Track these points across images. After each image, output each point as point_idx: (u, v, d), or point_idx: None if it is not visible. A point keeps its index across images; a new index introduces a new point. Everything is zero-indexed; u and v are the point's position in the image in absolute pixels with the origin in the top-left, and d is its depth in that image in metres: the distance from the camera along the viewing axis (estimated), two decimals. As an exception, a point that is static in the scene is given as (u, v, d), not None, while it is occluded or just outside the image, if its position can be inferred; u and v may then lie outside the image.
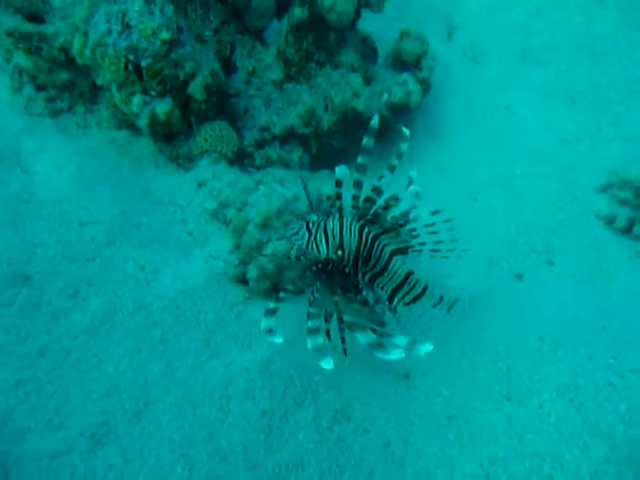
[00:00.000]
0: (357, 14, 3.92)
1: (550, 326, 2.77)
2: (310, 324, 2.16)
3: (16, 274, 2.57)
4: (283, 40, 3.85)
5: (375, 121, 2.36)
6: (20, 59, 3.37)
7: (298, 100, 3.92)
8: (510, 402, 2.49)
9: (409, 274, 2.48)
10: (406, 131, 2.54)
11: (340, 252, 2.41)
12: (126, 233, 2.99)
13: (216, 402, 2.43)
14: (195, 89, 3.29)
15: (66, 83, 3.55)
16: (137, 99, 3.20)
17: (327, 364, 2.03)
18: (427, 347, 2.07)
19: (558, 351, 2.63)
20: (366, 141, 2.38)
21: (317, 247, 2.42)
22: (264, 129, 3.84)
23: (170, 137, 3.49)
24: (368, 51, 4.24)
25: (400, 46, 4.18)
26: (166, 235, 3.11)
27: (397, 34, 4.41)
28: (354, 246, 2.40)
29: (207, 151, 3.48)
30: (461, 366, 2.69)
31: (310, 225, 2.41)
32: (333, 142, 4.00)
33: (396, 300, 2.52)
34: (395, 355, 2.03)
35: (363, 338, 2.10)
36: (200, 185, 3.40)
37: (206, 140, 3.47)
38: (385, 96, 4.04)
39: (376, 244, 2.42)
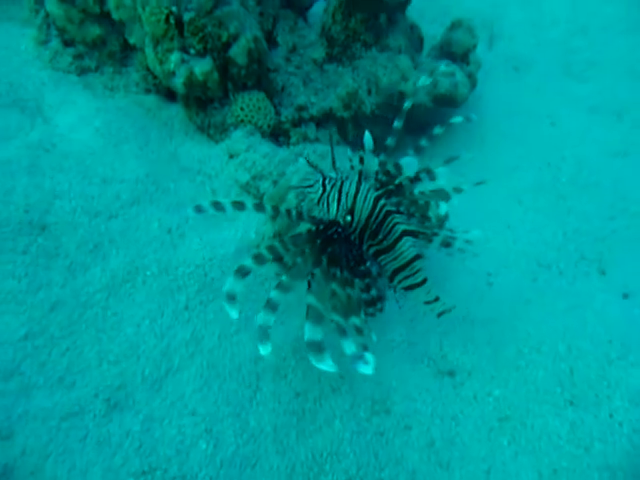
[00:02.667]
0: (409, -3, 3.88)
1: (617, 330, 2.62)
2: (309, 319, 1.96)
3: (32, 222, 2.44)
4: (330, 17, 3.80)
5: (408, 104, 2.33)
6: (52, 6, 3.30)
7: (339, 82, 3.85)
8: (574, 407, 2.32)
9: (415, 258, 2.31)
10: (473, 116, 2.47)
11: (349, 217, 2.27)
12: (152, 194, 2.87)
13: (245, 378, 2.27)
14: (237, 52, 3.21)
15: (96, 40, 3.48)
16: (175, 56, 3.12)
17: (265, 349, 1.83)
18: (368, 369, 1.91)
19: (629, 356, 2.47)
20: (397, 123, 2.36)
21: (328, 206, 2.29)
22: (301, 109, 3.75)
23: (204, 103, 3.40)
24: (415, 40, 4.19)
25: (450, 36, 4.14)
26: (194, 203, 2.98)
27: (447, 24, 4.38)
28: (365, 215, 2.27)
29: (242, 121, 3.38)
30: (516, 365, 2.52)
31: (327, 181, 2.30)
32: (374, 129, 3.90)
33: (396, 281, 2.36)
34: (324, 367, 1.85)
35: (311, 333, 1.90)
36: (232, 157, 3.29)
37: (242, 110, 3.38)
38: (422, 79, 3.98)
39: (388, 219, 2.28)
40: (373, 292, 2.36)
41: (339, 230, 2.30)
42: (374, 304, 2.37)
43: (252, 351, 2.38)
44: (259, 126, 3.42)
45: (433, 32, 4.86)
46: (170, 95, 3.57)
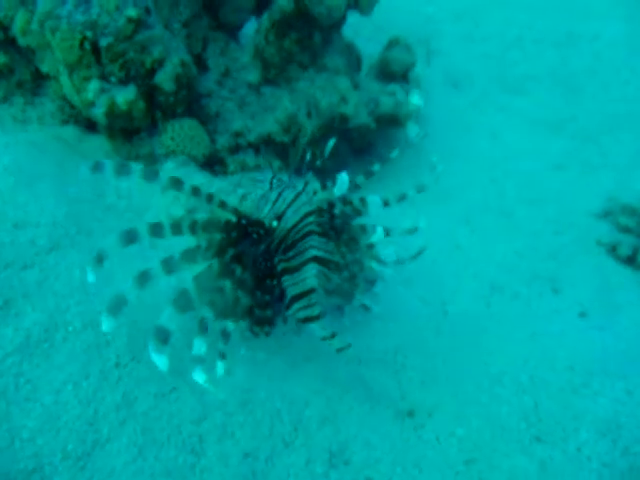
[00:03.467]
0: (343, 16, 3.82)
1: (577, 354, 2.57)
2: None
3: None
4: (262, 38, 3.68)
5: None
6: (-48, 34, 3.02)
7: (277, 105, 3.73)
8: (542, 444, 2.22)
9: (313, 290, 2.20)
10: (438, 165, 2.40)
11: (276, 223, 2.17)
12: (73, 238, 2.61)
13: (186, 441, 2.05)
14: (164, 78, 3.03)
15: (2, 68, 3.21)
16: (93, 85, 2.91)
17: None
18: (201, 377, 1.84)
19: (592, 383, 2.41)
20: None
21: (264, 204, 2.21)
22: (238, 135, 3.60)
23: (129, 134, 3.18)
24: (353, 59, 4.14)
25: (388, 55, 4.12)
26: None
27: (384, 43, 4.37)
28: (288, 226, 2.18)
29: (174, 152, 3.19)
30: (478, 400, 2.42)
31: (274, 180, 2.26)
32: (316, 151, 3.79)
33: (292, 310, 2.24)
34: (157, 360, 1.74)
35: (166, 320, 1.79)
36: (164, 189, 3.08)
37: (173, 139, 3.19)
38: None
39: (307, 239, 2.19)
40: (268, 312, 2.22)
41: (260, 232, 2.18)
42: (263, 324, 2.23)
43: (194, 408, 2.16)
44: (192, 156, 3.24)
45: (370, 51, 4.83)
46: (91, 126, 3.33)
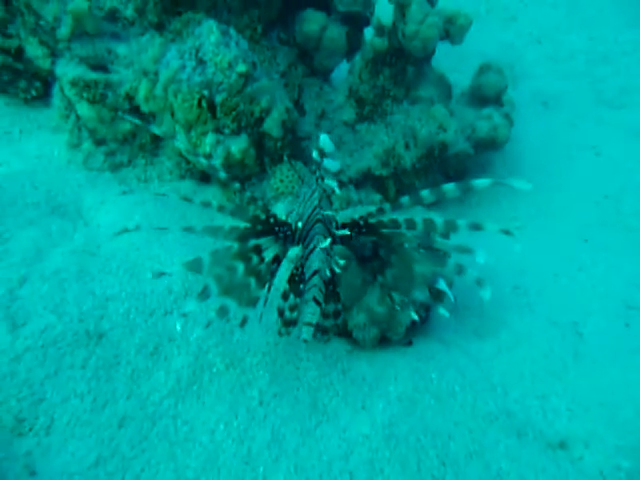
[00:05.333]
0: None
1: None
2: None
3: (89, 331, 2.35)
4: (356, 77, 3.84)
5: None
6: (83, 110, 3.38)
7: (373, 140, 3.84)
8: None
9: (315, 272, 2.22)
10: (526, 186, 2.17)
11: (301, 224, 2.30)
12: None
13: (337, 478, 2.07)
14: (272, 125, 3.22)
15: (127, 135, 3.54)
16: (210, 138, 3.14)
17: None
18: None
19: None
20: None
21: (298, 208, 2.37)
22: (338, 172, 3.72)
23: (241, 182, 3.38)
24: (444, 88, 4.20)
25: (480, 80, 4.14)
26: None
27: (467, 72, 4.41)
28: (304, 219, 2.29)
29: (283, 193, 3.35)
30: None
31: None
32: (415, 182, 3.86)
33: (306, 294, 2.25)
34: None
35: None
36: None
37: (282, 181, 3.35)
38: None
39: (316, 226, 2.27)
40: (295, 314, 2.32)
41: (287, 233, 2.33)
42: (289, 326, 2.35)
43: (339, 445, 2.20)
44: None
45: (453, 81, 4.89)
46: (205, 178, 3.58)
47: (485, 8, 7.06)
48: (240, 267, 2.18)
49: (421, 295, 2.27)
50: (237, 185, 2.26)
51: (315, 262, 2.23)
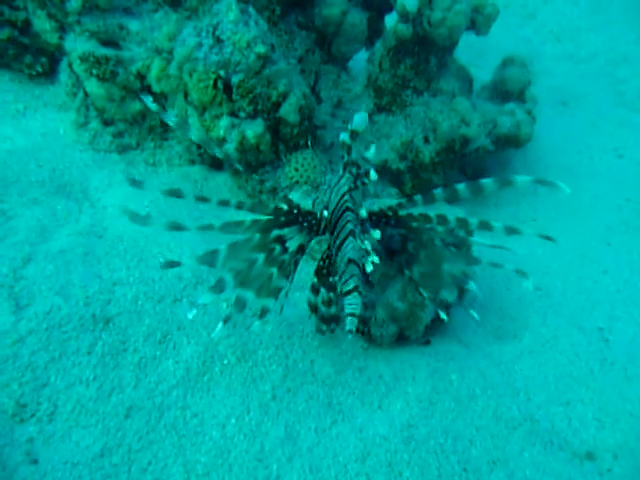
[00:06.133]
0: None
1: None
2: None
3: (95, 316, 2.26)
4: (376, 66, 3.74)
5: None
6: (92, 87, 3.28)
7: (391, 132, 3.76)
8: None
9: (350, 262, 2.10)
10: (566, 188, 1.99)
11: (327, 213, 2.20)
12: (215, 272, 2.69)
13: (354, 480, 1.99)
14: (289, 110, 3.13)
15: (136, 116, 3.45)
16: (224, 121, 3.05)
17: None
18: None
19: None
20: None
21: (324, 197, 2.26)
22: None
23: (254, 169, 3.29)
24: (466, 82, 4.11)
25: (504, 73, 4.05)
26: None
27: (485, 66, 4.34)
28: (331, 208, 2.18)
29: (297, 182, 3.26)
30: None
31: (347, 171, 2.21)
32: (433, 177, 3.77)
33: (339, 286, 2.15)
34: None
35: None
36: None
37: (297, 170, 3.26)
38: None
39: (345, 214, 2.14)
40: (333, 309, 2.27)
41: (312, 222, 2.26)
42: (329, 322, 2.30)
43: (355, 445, 2.12)
44: (316, 185, 3.29)
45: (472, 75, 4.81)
46: (216, 164, 3.49)
47: (503, 3, 6.98)
48: (260, 258, 2.10)
49: (450, 296, 2.20)
50: (256, 177, 2.17)
51: (350, 252, 2.12)
